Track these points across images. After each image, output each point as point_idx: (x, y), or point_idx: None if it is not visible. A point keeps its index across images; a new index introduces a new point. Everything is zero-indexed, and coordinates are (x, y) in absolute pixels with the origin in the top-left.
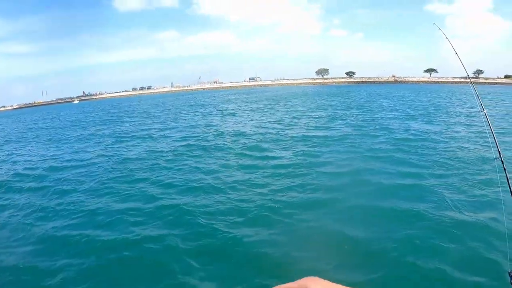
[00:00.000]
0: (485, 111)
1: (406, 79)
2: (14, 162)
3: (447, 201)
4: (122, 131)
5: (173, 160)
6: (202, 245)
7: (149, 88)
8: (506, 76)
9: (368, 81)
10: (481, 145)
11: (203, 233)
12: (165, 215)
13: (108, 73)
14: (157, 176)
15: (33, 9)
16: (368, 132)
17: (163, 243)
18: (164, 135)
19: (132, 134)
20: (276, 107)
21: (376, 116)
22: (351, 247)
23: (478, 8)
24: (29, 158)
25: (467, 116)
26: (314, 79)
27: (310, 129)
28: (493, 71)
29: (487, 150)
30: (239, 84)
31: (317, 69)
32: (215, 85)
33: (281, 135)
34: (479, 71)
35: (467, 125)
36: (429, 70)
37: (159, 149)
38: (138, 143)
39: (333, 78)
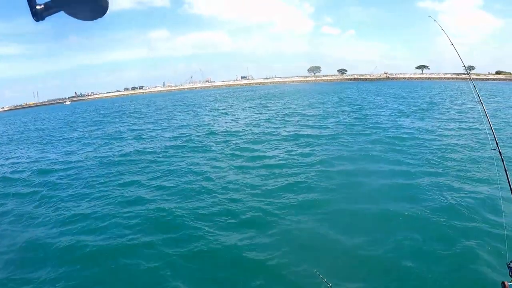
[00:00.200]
0: (482, 102)
1: (398, 76)
2: (2, 165)
3: (442, 199)
4: (114, 131)
5: (164, 162)
6: (194, 249)
7: (141, 88)
8: (498, 72)
9: (360, 78)
10: (474, 141)
11: (194, 237)
12: (157, 217)
13: (100, 74)
14: (149, 179)
15: (24, 10)
16: (360, 130)
17: (155, 248)
18: (155, 135)
19: (124, 134)
20: (268, 105)
21: (368, 113)
22: (343, 251)
23: (469, 5)
24: (18, 161)
25: (459, 112)
26: (306, 77)
27: (302, 128)
28: (483, 67)
29: (481, 147)
30: (231, 82)
31: (309, 67)
32: (207, 84)
33: (273, 134)
34: (471, 67)
35: (460, 121)
36: (421, 67)
37: (150, 150)
38: (129, 143)
39: (325, 75)
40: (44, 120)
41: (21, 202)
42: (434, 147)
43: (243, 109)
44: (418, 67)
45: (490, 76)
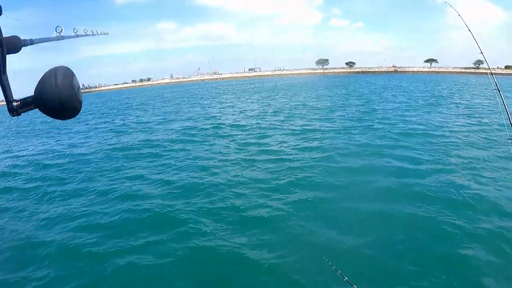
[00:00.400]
0: (500, 91)
1: (407, 69)
2: (10, 158)
3: (454, 200)
4: (121, 124)
5: (170, 155)
6: (198, 245)
7: (148, 79)
8: (507, 67)
9: (368, 72)
10: (485, 138)
11: (199, 233)
12: (163, 213)
13: (108, 66)
14: (155, 173)
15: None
16: (368, 125)
17: (160, 244)
18: (162, 128)
19: (131, 127)
20: (276, 98)
21: (376, 107)
22: (348, 251)
23: None
24: (20, 154)
25: (468, 107)
26: (314, 69)
27: (309, 122)
28: (491, 62)
29: (491, 145)
30: (238, 75)
31: (317, 60)
32: (214, 76)
33: (280, 128)
34: (479, 62)
35: (469, 116)
36: (430, 60)
37: (156, 143)
38: (137, 136)
39: (333, 68)
40: None
41: (24, 196)
42: (444, 143)
43: (250, 101)
44: (427, 61)
45: (499, 71)
